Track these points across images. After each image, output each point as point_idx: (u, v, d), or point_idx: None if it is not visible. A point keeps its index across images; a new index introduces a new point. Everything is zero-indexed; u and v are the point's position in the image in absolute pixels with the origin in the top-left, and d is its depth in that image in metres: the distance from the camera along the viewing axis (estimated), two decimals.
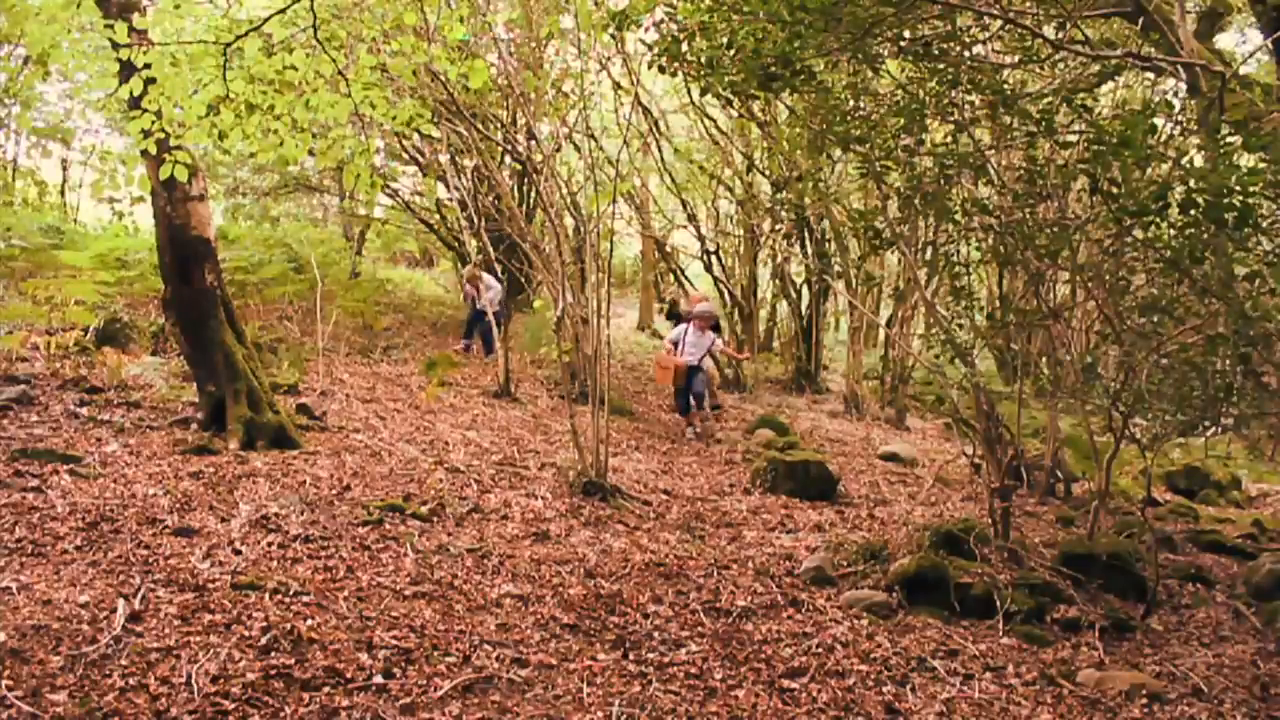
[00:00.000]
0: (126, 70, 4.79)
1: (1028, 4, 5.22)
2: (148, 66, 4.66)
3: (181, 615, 3.63)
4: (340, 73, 5.04)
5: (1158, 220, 4.00)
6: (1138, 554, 5.44)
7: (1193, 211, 3.67)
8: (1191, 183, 3.66)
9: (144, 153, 5.35)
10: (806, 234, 12.56)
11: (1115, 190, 3.89)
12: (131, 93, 4.77)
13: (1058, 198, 5.20)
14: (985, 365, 13.80)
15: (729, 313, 13.61)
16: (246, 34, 4.65)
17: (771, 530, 6.12)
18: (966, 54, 5.08)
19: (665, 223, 16.14)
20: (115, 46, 4.79)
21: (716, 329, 10.45)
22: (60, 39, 5.00)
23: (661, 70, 5.05)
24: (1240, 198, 3.53)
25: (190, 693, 3.10)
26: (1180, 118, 4.85)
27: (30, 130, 13.37)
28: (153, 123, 4.82)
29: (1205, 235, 3.83)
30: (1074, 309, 7.05)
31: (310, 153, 5.72)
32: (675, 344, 9.38)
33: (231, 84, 4.75)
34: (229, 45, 4.57)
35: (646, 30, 5.50)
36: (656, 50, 4.92)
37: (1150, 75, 8.08)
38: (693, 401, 9.30)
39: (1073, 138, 4.91)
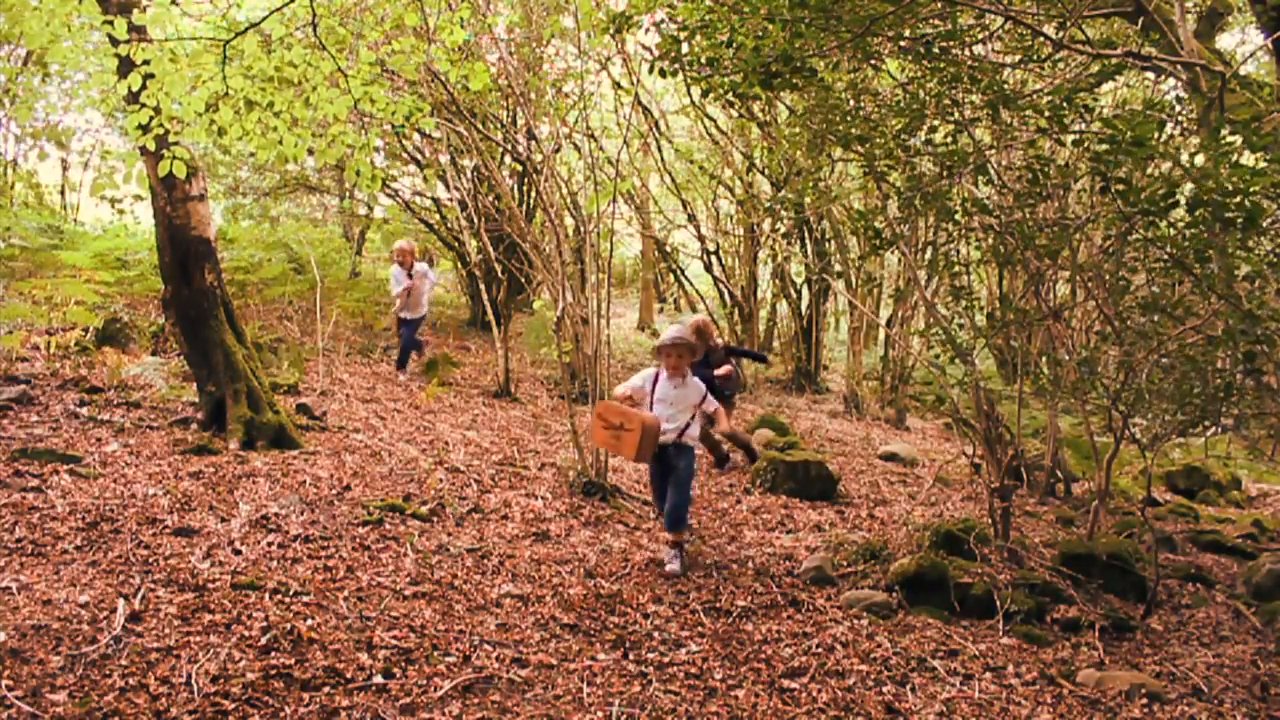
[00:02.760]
0: (125, 67, 4.79)
1: (1028, 3, 5.22)
2: (146, 62, 4.66)
3: (181, 615, 3.63)
4: (340, 69, 5.04)
5: (1157, 221, 4.00)
6: (1138, 554, 5.44)
7: (1200, 211, 3.66)
8: (1201, 182, 3.65)
9: (143, 150, 5.35)
10: (806, 234, 12.56)
11: (1123, 189, 3.88)
12: (130, 89, 4.76)
13: (1058, 198, 5.20)
14: (985, 365, 13.82)
15: (728, 312, 13.59)
16: (245, 31, 4.65)
17: (771, 530, 6.12)
18: (967, 53, 5.08)
19: (665, 223, 16.14)
20: (114, 43, 4.79)
21: (709, 367, 7.32)
22: (59, 35, 4.99)
23: (663, 74, 5.05)
24: (1249, 198, 3.53)
25: (190, 693, 3.10)
26: (1180, 118, 4.85)
27: (30, 133, 13.37)
28: (150, 118, 4.81)
29: (1210, 234, 3.82)
30: (1074, 309, 7.05)
31: (310, 152, 5.72)
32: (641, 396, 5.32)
33: (230, 80, 4.75)
34: (227, 42, 4.57)
35: (647, 31, 5.50)
36: (658, 52, 4.91)
37: (1150, 75, 8.08)
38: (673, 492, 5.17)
39: (1076, 136, 4.90)
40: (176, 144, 5.02)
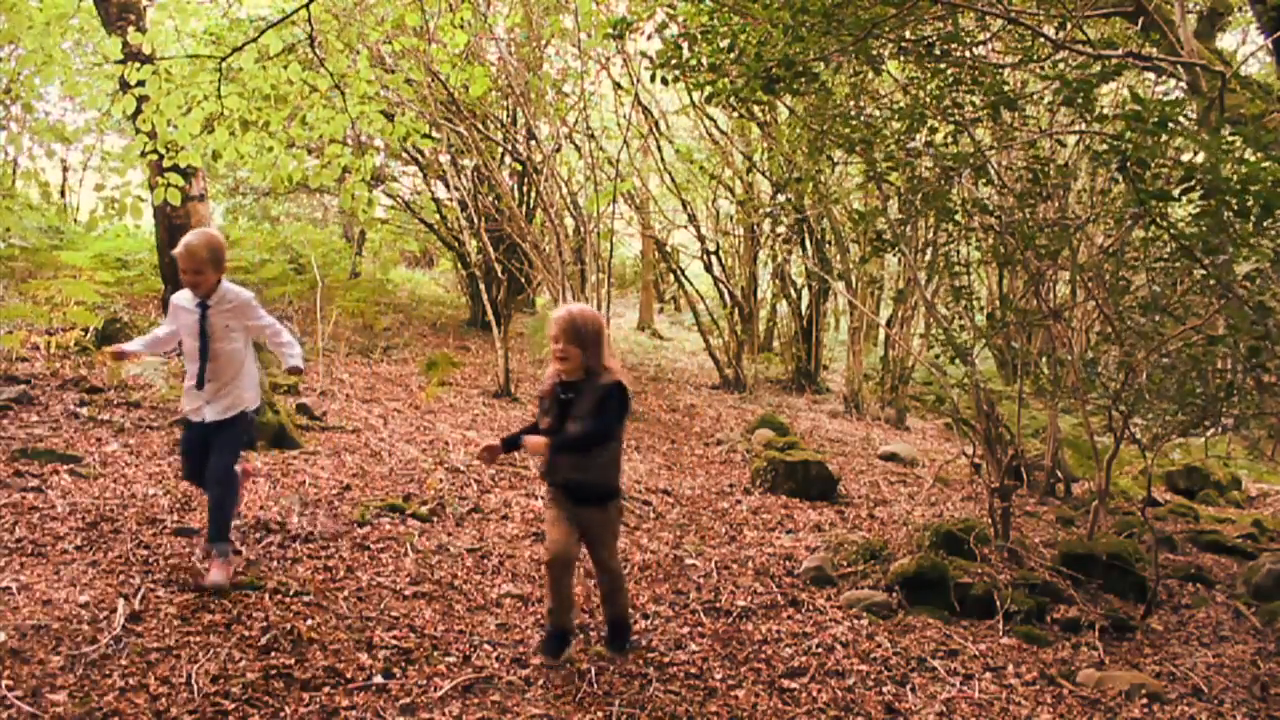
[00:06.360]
0: (124, 87, 4.79)
1: (1028, 4, 5.23)
2: (141, 84, 4.65)
3: (181, 615, 3.63)
4: (337, 85, 5.03)
5: (1166, 213, 3.98)
6: (1138, 554, 5.44)
7: (1213, 200, 3.63)
8: (1209, 174, 3.62)
9: (144, 154, 5.34)
10: (807, 235, 12.57)
11: (1140, 171, 3.85)
12: (125, 111, 4.76)
13: (1058, 198, 5.20)
14: (985, 365, 13.82)
15: (729, 312, 13.59)
16: (243, 47, 4.64)
17: (771, 530, 6.11)
18: (968, 54, 5.08)
19: (665, 223, 16.14)
20: (114, 62, 4.80)
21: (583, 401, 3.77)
22: (54, 51, 4.99)
23: (665, 81, 5.04)
24: (1261, 188, 3.50)
25: (190, 693, 3.10)
26: (1180, 117, 4.85)
27: (34, 132, 13.37)
28: (145, 144, 4.80)
29: (1219, 224, 3.78)
30: (1074, 309, 7.05)
31: (306, 178, 5.72)
32: None
33: (226, 100, 4.73)
34: (223, 60, 4.56)
35: (650, 38, 5.50)
36: (659, 59, 4.90)
37: (1150, 75, 8.08)
38: None
39: (1077, 136, 4.91)
40: (173, 169, 5.00)
